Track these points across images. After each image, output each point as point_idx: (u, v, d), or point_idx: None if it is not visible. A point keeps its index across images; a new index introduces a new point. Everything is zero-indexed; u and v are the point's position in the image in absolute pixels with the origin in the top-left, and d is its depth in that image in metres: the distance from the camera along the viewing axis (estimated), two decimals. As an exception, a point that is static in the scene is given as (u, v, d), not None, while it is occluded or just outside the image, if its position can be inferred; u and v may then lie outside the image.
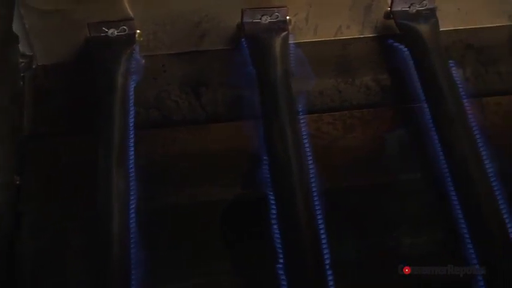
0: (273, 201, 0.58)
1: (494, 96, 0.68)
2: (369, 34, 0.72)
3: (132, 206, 0.58)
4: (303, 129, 0.62)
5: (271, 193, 0.58)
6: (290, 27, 0.69)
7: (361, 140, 0.65)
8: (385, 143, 0.65)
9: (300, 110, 0.64)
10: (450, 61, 0.67)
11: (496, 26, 0.73)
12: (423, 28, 0.68)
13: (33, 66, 0.69)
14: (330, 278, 0.54)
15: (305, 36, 0.71)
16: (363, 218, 0.61)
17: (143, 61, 0.69)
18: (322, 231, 0.56)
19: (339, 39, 0.71)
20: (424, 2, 0.69)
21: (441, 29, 0.70)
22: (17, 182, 0.62)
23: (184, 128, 0.67)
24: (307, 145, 0.61)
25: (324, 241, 0.56)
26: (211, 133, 0.66)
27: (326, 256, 0.55)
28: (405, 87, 0.68)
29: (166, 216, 0.61)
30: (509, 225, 0.57)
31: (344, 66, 0.70)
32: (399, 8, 0.70)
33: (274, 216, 0.57)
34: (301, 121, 0.63)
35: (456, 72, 0.67)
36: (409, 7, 0.69)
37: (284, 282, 0.54)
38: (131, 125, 0.62)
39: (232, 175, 0.63)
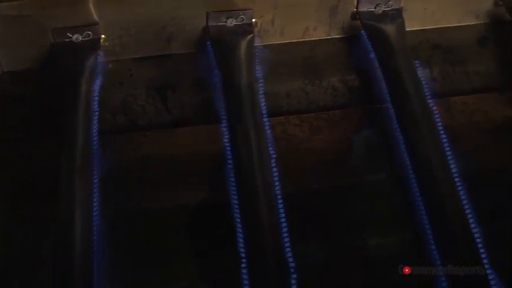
0: (236, 206, 0.58)
1: (461, 96, 0.68)
2: (336, 35, 0.71)
3: (95, 213, 0.58)
4: (267, 132, 0.62)
5: (235, 197, 0.58)
6: (256, 29, 0.69)
7: (328, 142, 0.65)
8: (351, 144, 0.65)
9: (265, 112, 0.64)
10: (416, 61, 0.68)
11: (464, 26, 0.73)
12: (389, 29, 0.68)
13: (-1, 73, 0.69)
14: (294, 282, 0.54)
15: (272, 38, 0.71)
16: (330, 220, 0.61)
17: (110, 66, 0.69)
18: (285, 235, 0.56)
19: (306, 41, 0.71)
20: (390, 2, 0.69)
21: (408, 29, 0.70)
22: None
23: (150, 132, 0.66)
24: (271, 148, 0.61)
25: (287, 245, 0.56)
26: (178, 137, 0.66)
27: (290, 260, 0.55)
28: (372, 88, 0.67)
29: (133, 221, 0.61)
30: (473, 226, 0.57)
31: (311, 67, 0.70)
32: (365, 9, 0.69)
33: (238, 221, 0.57)
34: (266, 124, 0.63)
35: (422, 73, 0.67)
36: (375, 8, 0.69)
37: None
38: (95, 130, 0.62)
39: (198, 179, 0.63)
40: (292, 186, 0.61)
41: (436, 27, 0.72)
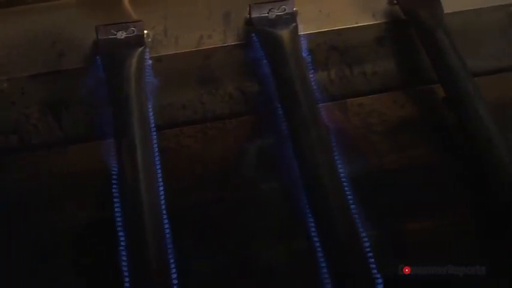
0: (120, 222, 0.57)
1: (358, 97, 0.68)
2: (231, 42, 0.70)
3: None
4: (155, 146, 0.61)
5: (120, 213, 0.57)
6: (149, 40, 0.68)
7: (222, 152, 0.64)
8: (245, 153, 0.64)
9: (154, 125, 0.63)
10: (312, 64, 0.67)
11: (361, 26, 0.72)
12: (281, 33, 0.67)
13: None
14: (179, 298, 0.53)
15: (166, 49, 0.69)
16: (222, 232, 0.60)
17: (2, 85, 0.67)
18: (170, 251, 0.55)
19: (202, 50, 0.70)
20: (283, 7, 0.69)
21: (304, 33, 0.70)
22: None
23: (43, 151, 0.65)
24: (158, 162, 0.60)
25: (172, 261, 0.55)
26: (71, 155, 0.65)
27: (174, 276, 0.54)
28: (269, 94, 0.67)
29: (23, 238, 0.60)
30: (360, 231, 0.56)
31: (207, 76, 0.69)
32: (258, 15, 0.69)
33: (121, 238, 0.56)
34: (154, 137, 0.62)
35: (314, 76, 0.67)
36: (268, 13, 0.69)
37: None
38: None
39: (89, 196, 0.62)
40: (181, 199, 0.61)
41: (332, 28, 0.71)
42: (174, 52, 0.70)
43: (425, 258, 0.59)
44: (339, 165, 0.60)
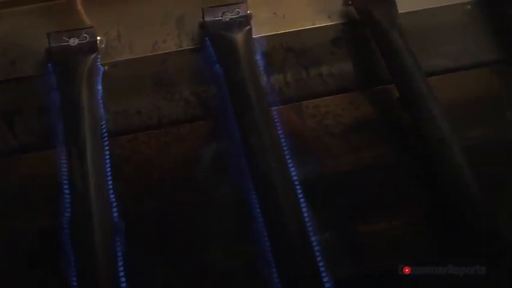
0: (67, 230, 0.56)
1: (314, 99, 0.67)
2: (186, 46, 0.70)
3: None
4: (106, 153, 0.61)
5: (69, 223, 0.57)
6: (103, 47, 0.68)
7: (176, 157, 0.64)
8: (199, 158, 0.64)
9: (109, 132, 0.63)
10: (268, 67, 0.67)
11: (317, 27, 0.71)
12: (234, 36, 0.67)
13: None
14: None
15: (121, 54, 0.69)
16: (176, 238, 0.60)
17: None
18: (120, 261, 0.55)
19: (157, 54, 0.69)
20: (237, 10, 0.68)
21: (260, 35, 0.70)
22: None
23: (-3, 161, 0.65)
24: (109, 170, 0.60)
25: (121, 269, 0.54)
26: (24, 163, 0.64)
27: (123, 285, 0.54)
28: (223, 99, 0.66)
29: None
30: (310, 234, 0.56)
31: (163, 81, 0.68)
32: (212, 18, 0.68)
33: (70, 246, 0.56)
34: (106, 144, 0.61)
35: (269, 79, 0.66)
36: (222, 16, 0.68)
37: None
38: None
39: (43, 206, 0.61)
40: (134, 206, 0.60)
41: (288, 30, 0.71)
42: (129, 57, 0.69)
43: (379, 259, 0.59)
44: (291, 168, 0.59)
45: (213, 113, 0.67)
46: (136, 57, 0.69)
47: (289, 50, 0.70)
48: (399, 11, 0.71)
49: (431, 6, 0.74)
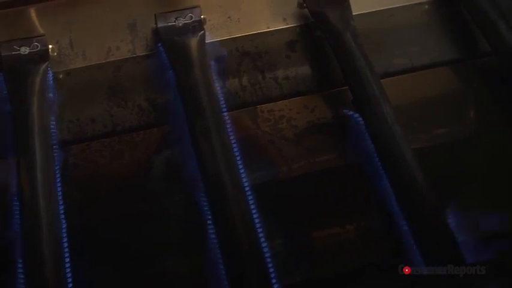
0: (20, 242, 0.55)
1: (269, 103, 0.67)
2: (140, 53, 0.69)
3: None
4: (57, 163, 0.60)
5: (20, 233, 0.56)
6: (55, 55, 0.67)
7: (128, 166, 0.63)
8: (151, 166, 0.63)
9: (62, 141, 0.62)
10: (224, 71, 0.67)
11: (272, 30, 0.71)
12: (187, 41, 0.66)
13: None
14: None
15: (74, 62, 0.68)
16: (126, 248, 0.59)
17: None
18: (69, 274, 0.54)
19: (110, 62, 0.69)
20: (190, 15, 0.68)
21: (215, 40, 0.69)
22: None
23: None
24: (58, 180, 0.59)
25: (70, 284, 0.54)
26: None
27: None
28: (177, 105, 0.66)
29: None
30: (261, 240, 0.56)
31: (117, 89, 0.67)
32: (165, 24, 0.68)
33: (19, 259, 0.55)
34: (55, 154, 0.61)
35: (225, 84, 0.66)
36: (175, 21, 0.68)
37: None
38: None
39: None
40: (85, 217, 0.60)
41: (244, 34, 0.71)
42: (82, 65, 0.69)
43: (331, 264, 0.58)
44: (242, 174, 0.59)
45: (167, 120, 0.66)
46: (89, 64, 0.69)
47: (245, 54, 0.70)
48: (357, 13, 0.71)
49: (390, 7, 0.74)
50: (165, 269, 0.58)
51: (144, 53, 0.69)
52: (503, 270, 0.55)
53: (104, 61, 0.69)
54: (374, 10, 0.73)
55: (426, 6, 0.74)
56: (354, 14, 0.70)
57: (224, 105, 0.64)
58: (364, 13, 0.72)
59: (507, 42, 0.65)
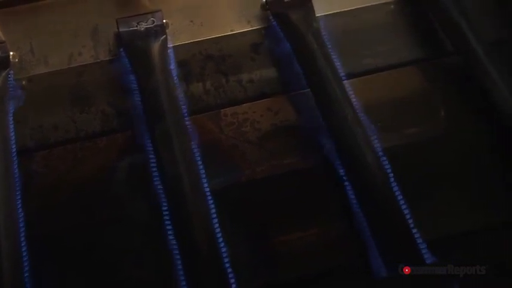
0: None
1: (233, 107, 0.67)
2: (104, 58, 0.69)
3: None
4: (15, 171, 0.60)
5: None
6: (16, 61, 0.67)
7: (90, 172, 0.63)
8: (115, 171, 0.63)
9: (24, 148, 0.62)
10: (187, 75, 0.67)
11: (237, 33, 0.71)
12: (149, 46, 0.66)
13: None
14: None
15: (36, 68, 0.68)
16: (89, 256, 0.59)
17: None
18: (28, 285, 0.54)
19: (73, 67, 0.68)
20: (152, 19, 0.67)
21: (178, 44, 0.69)
22: None
23: None
24: (18, 188, 0.59)
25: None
26: None
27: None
28: (140, 110, 0.65)
29: None
30: (221, 245, 0.55)
31: (80, 94, 0.67)
32: (127, 28, 0.67)
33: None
34: (15, 161, 0.60)
35: (188, 88, 0.66)
36: (137, 26, 0.67)
37: None
38: None
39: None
40: (45, 225, 0.59)
41: (207, 38, 0.70)
42: (44, 71, 0.68)
43: (294, 269, 0.58)
44: (203, 178, 0.58)
45: (131, 125, 0.65)
46: (52, 70, 0.68)
47: (208, 57, 0.69)
48: (323, 13, 0.70)
49: (356, 7, 0.74)
50: (129, 275, 0.58)
51: (107, 58, 0.69)
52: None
53: (66, 67, 0.68)
54: (341, 10, 0.73)
55: (392, 6, 0.74)
56: (320, 14, 0.70)
57: (187, 110, 0.64)
58: (331, 13, 0.72)
59: (468, 42, 0.64)
